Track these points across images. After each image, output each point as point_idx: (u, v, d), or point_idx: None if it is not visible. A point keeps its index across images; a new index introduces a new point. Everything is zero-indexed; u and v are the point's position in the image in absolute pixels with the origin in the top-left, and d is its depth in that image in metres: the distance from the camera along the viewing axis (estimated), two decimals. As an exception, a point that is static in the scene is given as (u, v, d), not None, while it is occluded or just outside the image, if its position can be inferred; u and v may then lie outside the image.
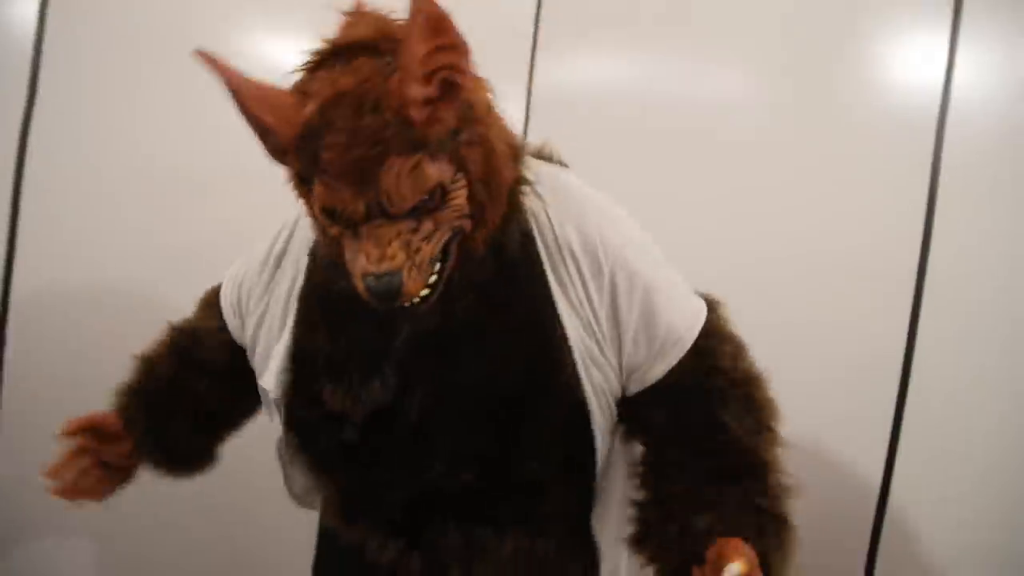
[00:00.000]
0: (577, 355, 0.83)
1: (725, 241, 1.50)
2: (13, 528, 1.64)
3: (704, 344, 0.85)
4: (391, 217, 0.72)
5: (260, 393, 0.96)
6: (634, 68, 1.57)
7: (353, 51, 0.74)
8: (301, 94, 0.73)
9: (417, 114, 0.69)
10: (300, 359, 0.90)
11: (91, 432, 0.94)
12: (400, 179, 0.70)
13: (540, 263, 0.84)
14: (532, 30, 1.58)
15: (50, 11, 1.58)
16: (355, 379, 0.85)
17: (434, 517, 0.88)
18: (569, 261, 0.84)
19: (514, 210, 0.82)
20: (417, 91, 0.69)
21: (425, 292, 0.74)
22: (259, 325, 0.94)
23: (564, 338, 0.83)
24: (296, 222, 0.94)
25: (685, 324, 0.85)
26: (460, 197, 0.74)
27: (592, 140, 1.53)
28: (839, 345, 1.49)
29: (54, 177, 1.61)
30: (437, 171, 0.72)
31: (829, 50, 1.52)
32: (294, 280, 0.92)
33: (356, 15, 0.78)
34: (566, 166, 0.97)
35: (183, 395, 0.99)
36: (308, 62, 0.76)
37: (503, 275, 0.83)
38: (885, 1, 1.51)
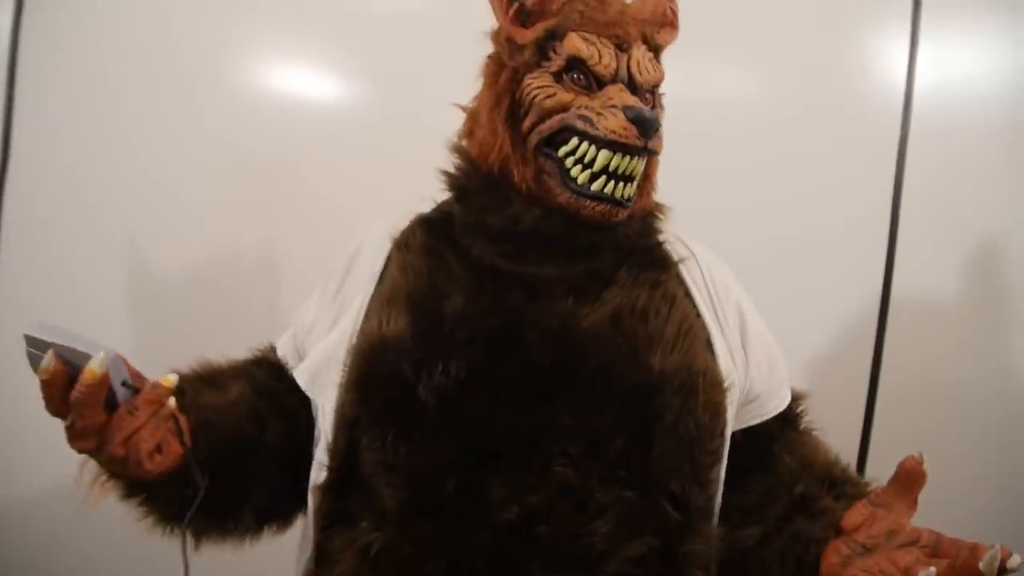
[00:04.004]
0: (723, 369, 0.78)
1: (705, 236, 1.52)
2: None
3: (796, 392, 0.88)
4: (633, 89, 0.77)
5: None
6: None
7: None
8: None
9: (664, 21, 0.83)
10: (369, 347, 0.76)
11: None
12: (646, 59, 0.79)
13: (673, 264, 0.83)
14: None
15: (24, 21, 1.57)
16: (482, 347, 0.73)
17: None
18: (710, 284, 0.84)
19: (652, 221, 0.85)
20: (672, 3, 0.83)
21: (634, 193, 0.77)
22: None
23: (712, 347, 0.79)
24: (361, 241, 0.88)
25: (785, 368, 0.88)
26: (660, 113, 0.82)
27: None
28: (808, 349, 1.52)
29: (36, 187, 1.58)
30: (661, 74, 0.81)
31: (797, 48, 1.55)
32: (368, 286, 0.82)
33: None
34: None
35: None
36: None
37: (643, 258, 0.82)
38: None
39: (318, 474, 0.77)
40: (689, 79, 1.55)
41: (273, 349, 0.91)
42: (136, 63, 1.54)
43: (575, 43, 0.76)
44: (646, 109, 0.73)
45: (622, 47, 0.77)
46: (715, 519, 0.76)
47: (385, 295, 0.79)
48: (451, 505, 0.69)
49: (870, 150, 1.53)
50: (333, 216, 1.53)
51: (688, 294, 0.82)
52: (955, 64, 1.51)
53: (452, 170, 0.84)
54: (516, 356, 0.73)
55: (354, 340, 0.78)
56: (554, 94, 0.76)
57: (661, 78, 0.81)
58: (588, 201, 0.75)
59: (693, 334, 0.77)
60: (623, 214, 0.77)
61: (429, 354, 0.72)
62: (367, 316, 0.79)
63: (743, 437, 0.81)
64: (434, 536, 0.69)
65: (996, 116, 1.49)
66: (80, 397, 0.61)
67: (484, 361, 0.72)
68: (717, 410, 0.75)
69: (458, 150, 0.85)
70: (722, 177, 1.50)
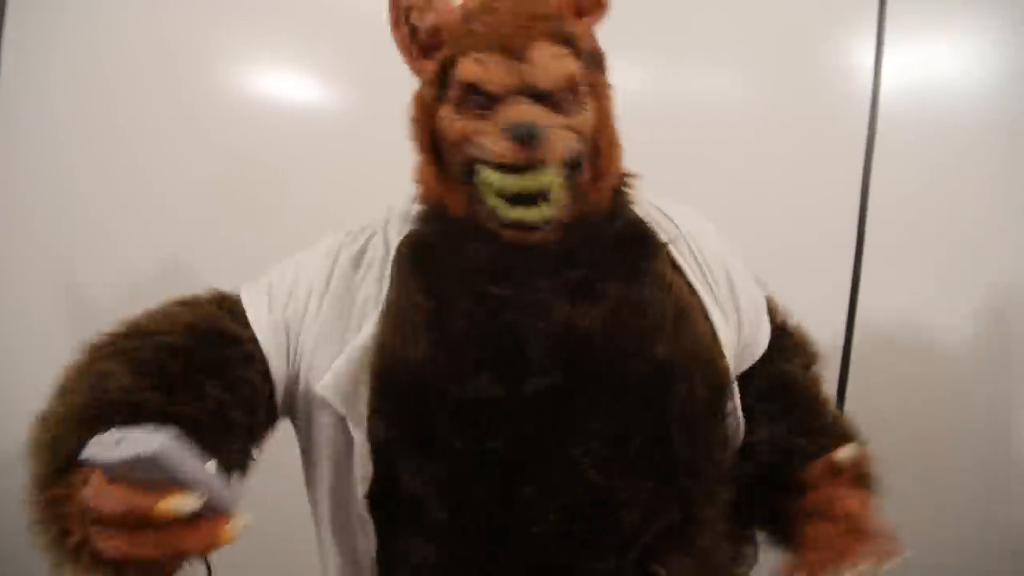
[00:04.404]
0: (721, 337, 0.81)
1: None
2: None
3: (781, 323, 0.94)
4: (535, 99, 0.73)
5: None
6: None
7: None
8: None
9: (571, 14, 0.78)
10: (392, 366, 0.74)
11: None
12: (549, 57, 0.74)
13: (660, 246, 0.83)
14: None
15: (8, 23, 1.57)
16: (506, 364, 0.73)
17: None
18: (697, 254, 0.86)
19: (623, 199, 0.83)
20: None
21: (551, 212, 0.73)
22: (340, 344, 0.78)
23: (710, 321, 0.81)
24: (373, 229, 0.87)
25: (764, 312, 0.92)
26: (589, 116, 0.77)
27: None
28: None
29: (21, 188, 1.59)
30: (579, 69, 0.75)
31: (767, 47, 1.57)
32: (378, 291, 0.80)
33: None
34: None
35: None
36: None
37: (628, 248, 0.81)
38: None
39: (347, 483, 0.77)
40: (657, 80, 1.59)
41: (225, 299, 0.80)
42: (121, 67, 1.54)
43: (464, 68, 0.74)
44: (526, 123, 0.70)
45: (517, 55, 0.73)
46: (728, 479, 0.80)
47: (398, 314, 0.77)
48: (491, 519, 0.72)
49: (837, 151, 1.56)
50: (319, 218, 1.54)
51: (678, 269, 0.83)
52: (923, 66, 1.53)
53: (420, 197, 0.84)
54: (528, 370, 0.73)
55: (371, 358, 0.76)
56: (453, 124, 0.75)
57: (570, 73, 0.75)
58: (505, 229, 0.75)
59: (689, 315, 0.79)
60: (543, 234, 0.75)
61: (449, 378, 0.73)
62: (382, 334, 0.76)
63: (742, 378, 0.85)
64: (479, 551, 0.72)
65: (966, 116, 1.51)
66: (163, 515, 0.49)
67: (499, 380, 0.72)
68: (720, 386, 0.79)
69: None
70: (688, 178, 1.48)
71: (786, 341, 0.92)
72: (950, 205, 1.51)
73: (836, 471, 0.77)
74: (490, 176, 0.73)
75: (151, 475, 0.48)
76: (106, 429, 0.52)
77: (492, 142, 0.72)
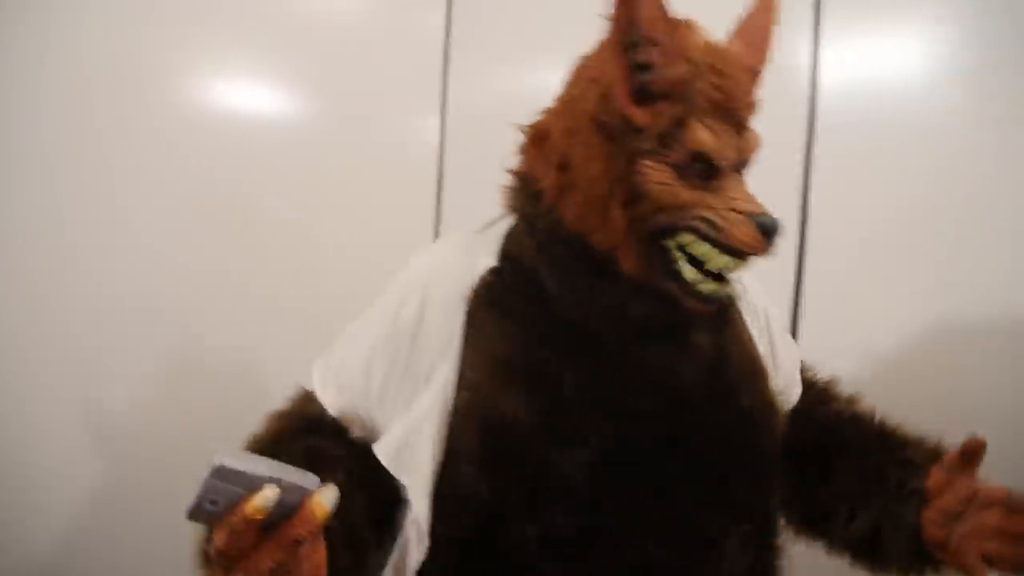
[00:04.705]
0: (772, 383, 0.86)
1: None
2: None
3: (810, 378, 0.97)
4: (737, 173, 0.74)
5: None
6: (548, 78, 1.60)
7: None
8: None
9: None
10: (492, 426, 0.74)
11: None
12: (755, 136, 0.76)
13: (734, 299, 0.86)
14: (443, 47, 1.63)
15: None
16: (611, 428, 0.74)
17: None
18: (750, 302, 0.90)
19: None
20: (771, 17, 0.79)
21: (732, 288, 0.76)
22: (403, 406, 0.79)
23: (759, 360, 0.85)
24: (427, 281, 0.81)
25: (796, 364, 0.95)
26: None
27: (508, 152, 1.58)
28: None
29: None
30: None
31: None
32: (445, 342, 0.78)
33: None
34: None
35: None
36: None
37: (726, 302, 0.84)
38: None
39: (409, 549, 0.79)
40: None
41: (308, 397, 0.83)
42: (81, 81, 1.52)
43: (700, 137, 0.71)
44: (770, 216, 0.71)
45: (740, 128, 0.74)
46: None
47: (487, 366, 0.75)
48: (614, 570, 0.74)
49: (776, 151, 1.57)
50: (285, 231, 1.55)
51: (743, 318, 0.87)
52: (859, 65, 1.53)
53: (529, 216, 0.79)
54: (639, 423, 0.75)
55: (444, 415, 0.75)
56: (675, 191, 0.71)
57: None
58: (694, 300, 0.74)
59: (762, 366, 0.84)
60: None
61: (562, 434, 0.73)
62: (466, 389, 0.75)
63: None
64: None
65: (904, 114, 1.52)
66: (299, 535, 0.55)
67: (614, 434, 0.74)
68: (780, 431, 0.84)
69: (534, 199, 0.78)
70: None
71: (820, 389, 0.96)
72: (888, 206, 1.53)
73: (968, 461, 0.74)
74: (704, 250, 0.72)
75: (230, 491, 0.53)
76: None
77: (736, 225, 0.70)
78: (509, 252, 0.82)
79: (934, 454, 0.81)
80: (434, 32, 1.62)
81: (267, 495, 0.53)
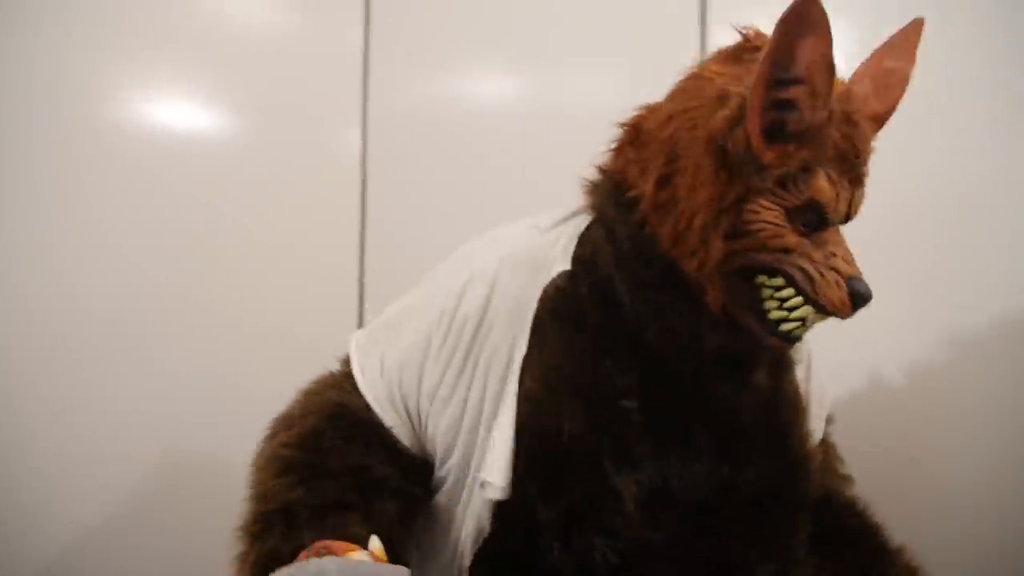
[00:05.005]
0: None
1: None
2: None
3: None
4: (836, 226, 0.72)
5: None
6: (467, 87, 1.63)
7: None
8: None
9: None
10: (551, 446, 0.73)
11: None
12: (863, 193, 0.73)
13: None
14: (362, 58, 1.62)
15: None
16: (672, 454, 0.75)
17: None
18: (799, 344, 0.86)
19: None
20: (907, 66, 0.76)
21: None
22: (460, 410, 0.77)
23: (804, 405, 0.85)
24: (496, 270, 0.78)
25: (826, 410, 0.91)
26: None
27: (431, 162, 1.60)
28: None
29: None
30: None
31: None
32: (512, 346, 0.75)
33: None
34: None
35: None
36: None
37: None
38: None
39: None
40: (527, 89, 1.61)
41: (345, 385, 0.81)
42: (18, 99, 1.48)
43: (822, 186, 0.69)
44: (864, 283, 0.69)
45: (857, 184, 0.72)
46: None
47: (548, 378, 0.73)
48: None
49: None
50: (210, 243, 1.54)
51: (794, 357, 0.85)
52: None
53: (613, 221, 0.75)
54: (695, 455, 0.74)
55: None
56: (783, 234, 0.69)
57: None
58: (774, 338, 0.72)
59: (806, 407, 0.84)
60: None
61: (618, 454, 0.72)
62: (525, 399, 0.73)
63: None
64: None
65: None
66: None
67: (670, 463, 0.73)
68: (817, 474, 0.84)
69: (624, 206, 0.74)
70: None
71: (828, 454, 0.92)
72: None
73: None
74: (794, 299, 0.70)
75: None
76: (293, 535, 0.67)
77: (829, 286, 0.68)
78: (583, 256, 0.78)
79: None
80: (353, 44, 1.61)
81: None
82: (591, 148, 1.52)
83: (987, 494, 1.54)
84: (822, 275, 0.68)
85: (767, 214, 0.68)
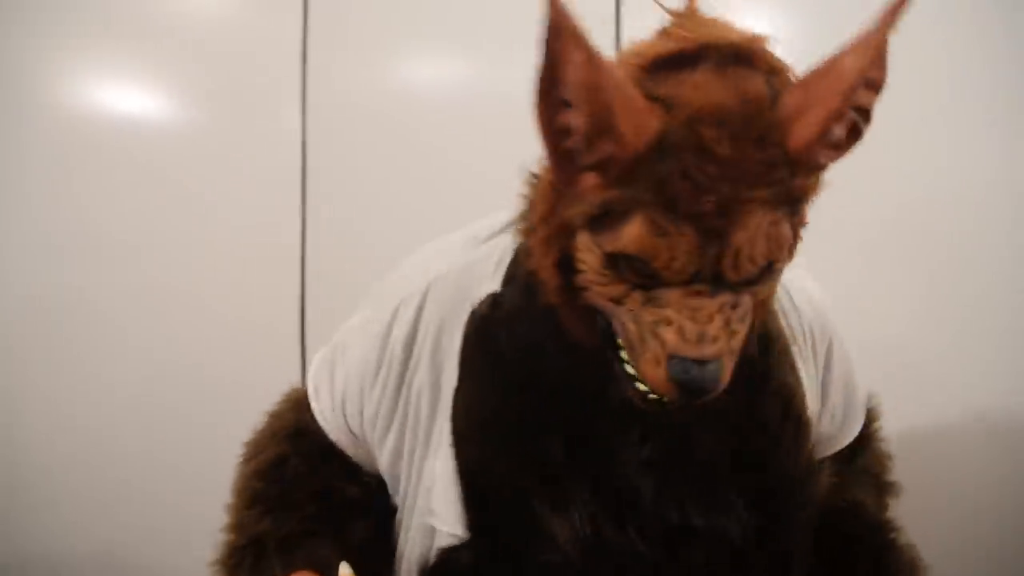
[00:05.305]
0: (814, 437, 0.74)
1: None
2: None
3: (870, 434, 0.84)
4: (719, 285, 0.52)
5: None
6: (406, 70, 1.65)
7: (723, 57, 0.52)
8: (653, 98, 0.51)
9: (809, 161, 0.51)
10: (481, 484, 0.68)
11: None
12: (757, 237, 0.50)
13: (785, 350, 0.71)
14: (301, 39, 1.63)
15: None
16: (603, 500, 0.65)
17: None
18: (807, 330, 0.75)
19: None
20: (837, 130, 0.51)
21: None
22: (399, 440, 0.72)
23: (807, 420, 0.72)
24: (424, 293, 0.72)
25: (861, 412, 0.82)
26: (782, 270, 0.56)
27: (370, 143, 1.61)
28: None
29: None
30: (790, 235, 0.53)
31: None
32: (438, 373, 0.70)
33: (694, 18, 0.57)
34: None
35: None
36: (659, 58, 0.53)
37: (761, 352, 0.67)
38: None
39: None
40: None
41: (305, 406, 0.77)
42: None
43: (635, 237, 0.51)
44: (699, 368, 0.51)
45: (717, 234, 0.50)
46: None
47: (470, 414, 0.68)
48: None
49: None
50: (149, 228, 1.53)
51: (793, 366, 0.72)
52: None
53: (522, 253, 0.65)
54: (634, 497, 0.65)
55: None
56: (604, 283, 0.55)
57: (779, 251, 0.53)
58: (637, 398, 0.57)
59: (802, 422, 0.71)
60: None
61: (550, 497, 0.65)
62: (457, 436, 0.68)
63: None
64: None
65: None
66: None
67: (608, 503, 0.65)
68: (818, 495, 0.75)
69: (524, 235, 0.65)
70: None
71: (861, 459, 0.83)
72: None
73: None
74: (632, 373, 0.56)
75: None
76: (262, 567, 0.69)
77: (647, 360, 0.53)
78: (513, 275, 0.69)
79: None
80: (292, 28, 1.63)
81: None
82: (533, 133, 1.62)
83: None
84: (643, 343, 0.53)
85: (587, 254, 0.55)
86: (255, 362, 1.58)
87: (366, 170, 1.63)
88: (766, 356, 0.68)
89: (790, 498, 0.70)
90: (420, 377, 0.70)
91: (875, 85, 0.51)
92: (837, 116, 0.50)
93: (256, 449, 0.77)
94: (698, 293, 0.52)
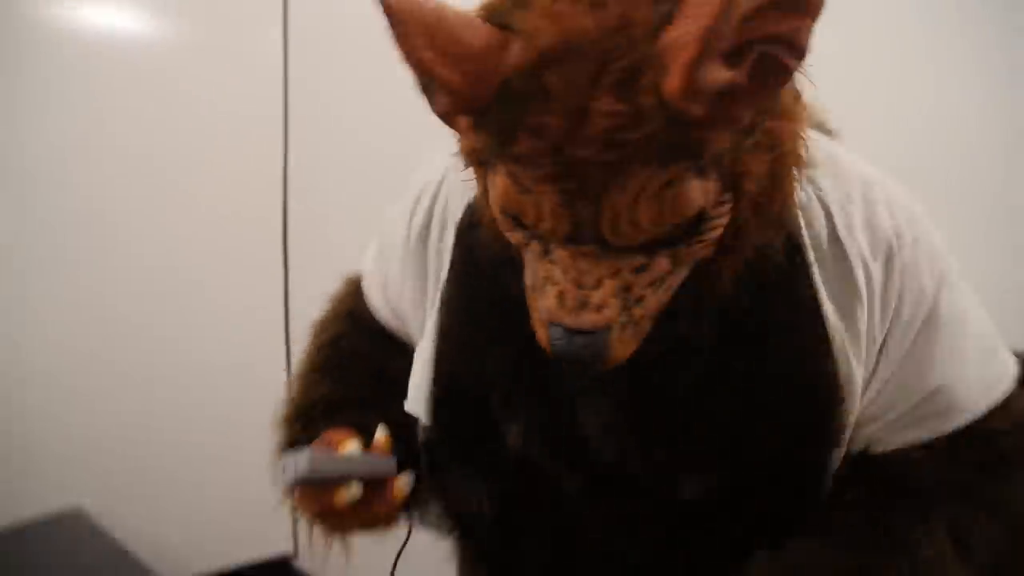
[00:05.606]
0: (852, 408, 0.58)
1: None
2: None
3: (989, 430, 0.59)
4: (607, 248, 0.46)
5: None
6: None
7: None
8: (504, 29, 0.44)
9: (700, 109, 0.41)
10: (451, 384, 0.68)
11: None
12: (640, 202, 0.43)
13: (812, 282, 0.57)
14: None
15: None
16: (550, 417, 0.62)
17: None
18: (860, 274, 0.57)
19: (783, 213, 0.54)
20: (714, 72, 0.40)
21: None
22: (423, 325, 0.73)
23: (839, 388, 0.57)
24: (440, 182, 0.69)
25: (973, 392, 0.59)
26: (718, 227, 0.48)
27: (354, 68, 1.65)
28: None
29: None
30: (701, 193, 0.45)
31: None
32: (438, 270, 0.69)
33: None
34: (831, 133, 0.67)
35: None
36: None
37: (758, 299, 0.56)
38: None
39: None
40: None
41: (360, 292, 0.82)
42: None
43: (501, 191, 0.46)
44: (574, 340, 0.46)
45: (583, 192, 0.43)
46: None
47: (451, 310, 0.67)
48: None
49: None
50: (135, 149, 1.54)
51: (815, 296, 0.57)
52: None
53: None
54: (587, 447, 0.61)
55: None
56: (507, 229, 0.51)
57: (687, 214, 0.45)
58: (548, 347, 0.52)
59: (822, 384, 0.57)
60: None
61: (500, 402, 0.65)
62: (438, 332, 0.68)
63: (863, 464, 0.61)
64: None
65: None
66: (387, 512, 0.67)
67: (543, 435, 0.64)
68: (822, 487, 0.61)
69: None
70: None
71: (976, 448, 0.60)
72: None
73: None
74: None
75: (321, 478, 0.62)
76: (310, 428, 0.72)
77: (538, 321, 0.49)
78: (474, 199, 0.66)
79: None
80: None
81: (351, 491, 0.63)
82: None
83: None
84: (534, 299, 0.49)
85: (491, 195, 0.50)
86: (240, 279, 1.66)
87: (349, 84, 1.68)
88: (776, 288, 0.57)
89: (795, 474, 0.59)
90: (431, 265, 0.70)
91: (798, 6, 0.39)
92: (711, 53, 0.39)
93: (320, 328, 0.83)
94: (584, 255, 0.46)
